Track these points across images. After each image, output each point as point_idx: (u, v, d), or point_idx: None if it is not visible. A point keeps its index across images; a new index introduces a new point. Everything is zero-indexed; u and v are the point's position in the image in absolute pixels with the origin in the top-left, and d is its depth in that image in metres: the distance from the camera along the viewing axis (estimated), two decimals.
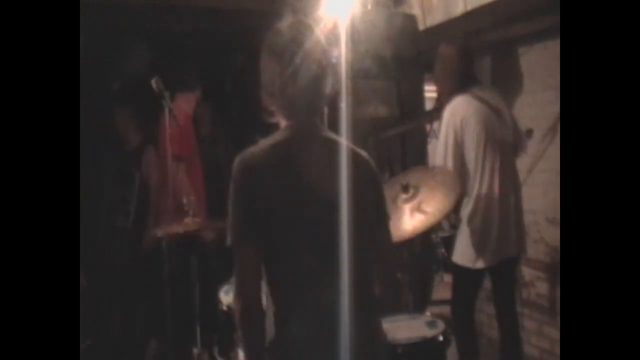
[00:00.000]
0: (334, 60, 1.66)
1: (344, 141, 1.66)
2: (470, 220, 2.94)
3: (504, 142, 2.98)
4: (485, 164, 2.91)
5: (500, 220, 2.93)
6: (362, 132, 3.72)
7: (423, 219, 2.66)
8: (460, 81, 3.00)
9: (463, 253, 2.98)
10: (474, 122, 2.89)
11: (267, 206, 1.51)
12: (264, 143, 1.59)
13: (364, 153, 1.70)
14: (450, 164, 2.90)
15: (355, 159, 1.63)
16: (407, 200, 2.71)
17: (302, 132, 1.61)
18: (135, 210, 3.58)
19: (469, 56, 3.09)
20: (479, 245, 2.93)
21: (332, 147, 1.62)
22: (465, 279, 3.05)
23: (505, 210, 2.95)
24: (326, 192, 1.54)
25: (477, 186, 2.92)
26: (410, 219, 2.66)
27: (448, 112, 2.97)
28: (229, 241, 1.54)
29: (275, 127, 1.68)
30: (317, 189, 1.55)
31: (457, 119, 2.91)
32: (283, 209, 1.52)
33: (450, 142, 2.91)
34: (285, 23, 1.61)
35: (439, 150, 2.98)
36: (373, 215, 1.66)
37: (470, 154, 2.91)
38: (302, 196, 1.54)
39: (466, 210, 2.96)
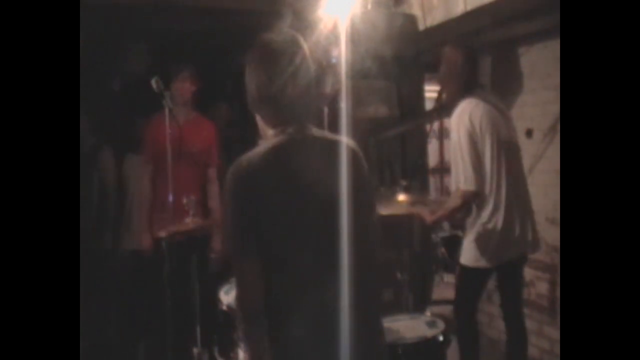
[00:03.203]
0: (333, 60, 1.66)
1: (333, 137, 1.66)
2: (480, 221, 2.93)
3: (511, 143, 2.98)
4: (497, 165, 2.91)
5: (510, 221, 2.92)
6: (362, 132, 3.73)
7: (424, 208, 2.67)
8: (465, 84, 2.99)
9: (471, 254, 2.97)
10: (485, 123, 2.89)
11: (265, 212, 1.50)
12: (258, 149, 1.58)
13: (351, 143, 1.67)
14: (468, 166, 2.85)
15: (347, 154, 1.62)
16: (407, 198, 2.71)
17: (293, 135, 1.60)
18: (97, 210, 3.60)
19: (475, 60, 3.09)
20: (488, 246, 2.92)
21: (324, 147, 1.62)
22: (471, 280, 3.04)
23: (515, 211, 2.94)
24: (322, 194, 1.54)
25: (489, 187, 2.91)
26: (410, 206, 2.67)
27: (457, 114, 2.95)
28: (228, 251, 1.54)
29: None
30: (314, 190, 1.54)
31: (466, 119, 2.89)
32: (280, 213, 1.52)
33: (466, 145, 2.87)
34: (273, 35, 1.62)
35: (455, 157, 2.94)
36: (364, 207, 1.64)
37: (485, 155, 2.90)
38: (298, 199, 1.53)
39: (480, 211, 2.94)
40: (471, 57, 3.05)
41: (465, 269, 3.03)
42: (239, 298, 1.55)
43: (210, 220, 3.09)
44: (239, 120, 4.29)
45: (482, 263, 2.93)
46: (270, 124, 1.63)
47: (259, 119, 1.67)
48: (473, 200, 2.89)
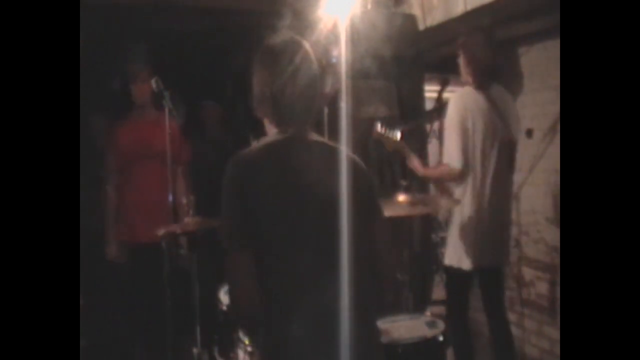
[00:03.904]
0: (333, 60, 1.67)
1: (333, 144, 1.69)
2: (461, 220, 2.94)
3: (503, 145, 2.98)
4: (483, 164, 2.91)
5: (490, 225, 2.93)
6: (362, 132, 3.73)
7: (423, 208, 2.67)
8: (483, 72, 2.98)
9: (452, 253, 2.99)
10: (478, 118, 2.89)
11: (262, 208, 1.51)
12: (257, 145, 1.60)
13: (352, 154, 1.70)
14: (455, 144, 2.87)
15: (346, 159, 1.64)
16: (407, 198, 2.71)
17: (294, 135, 1.63)
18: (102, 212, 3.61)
19: (494, 49, 3.08)
20: (467, 246, 2.93)
21: (323, 150, 1.64)
22: (454, 281, 3.06)
23: (496, 216, 2.95)
24: (319, 194, 1.55)
25: (472, 187, 2.92)
26: (410, 207, 2.68)
27: (453, 100, 2.97)
28: (222, 244, 1.54)
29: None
30: (310, 190, 1.55)
31: (461, 105, 2.90)
32: (278, 211, 1.52)
33: (455, 123, 2.89)
34: (276, 39, 1.65)
35: (445, 135, 2.96)
36: (365, 214, 1.65)
37: (475, 148, 2.90)
38: (294, 198, 1.54)
39: (459, 209, 2.95)
40: (491, 44, 3.04)
41: (447, 270, 3.05)
42: (231, 297, 1.56)
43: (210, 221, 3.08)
44: (229, 119, 4.30)
45: (461, 264, 2.94)
46: (275, 124, 1.65)
47: (265, 120, 1.69)
48: (455, 179, 2.91)
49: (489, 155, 2.92)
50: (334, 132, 1.76)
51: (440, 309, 3.57)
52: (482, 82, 2.97)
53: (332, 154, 1.64)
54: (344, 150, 1.67)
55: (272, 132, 1.67)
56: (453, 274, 3.03)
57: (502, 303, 3.18)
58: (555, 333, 3.61)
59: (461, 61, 3.05)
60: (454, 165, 2.89)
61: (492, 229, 2.94)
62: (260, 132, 1.73)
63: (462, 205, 2.92)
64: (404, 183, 2.76)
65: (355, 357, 1.53)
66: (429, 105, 4.61)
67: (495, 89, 3.03)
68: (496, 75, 3.06)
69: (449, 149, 2.92)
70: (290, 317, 1.53)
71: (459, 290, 3.07)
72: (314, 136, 1.67)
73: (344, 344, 1.51)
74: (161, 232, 2.81)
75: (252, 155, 1.58)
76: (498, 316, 3.13)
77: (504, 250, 3.08)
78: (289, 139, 1.61)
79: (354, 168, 1.65)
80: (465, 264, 2.93)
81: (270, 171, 1.55)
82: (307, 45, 1.65)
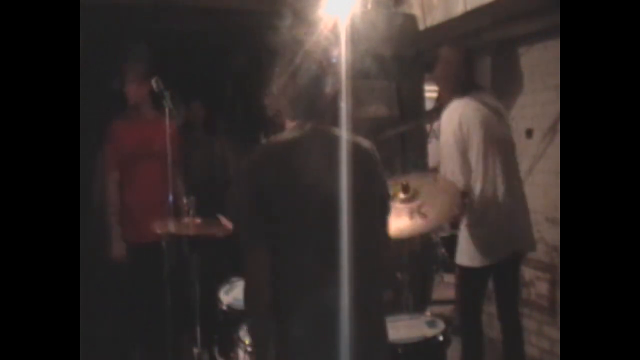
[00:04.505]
0: (334, 60, 1.69)
1: (347, 137, 1.69)
2: (474, 220, 2.93)
3: (504, 141, 2.98)
4: (487, 163, 2.90)
5: (503, 219, 2.92)
6: (362, 132, 3.73)
7: (422, 223, 2.64)
8: (460, 85, 2.99)
9: (467, 254, 2.97)
10: (473, 121, 2.89)
11: (274, 200, 1.53)
12: (276, 138, 1.63)
13: (366, 144, 1.73)
14: (455, 167, 2.87)
15: (359, 155, 1.66)
16: (406, 201, 2.70)
17: (310, 130, 1.64)
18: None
19: (471, 61, 3.08)
20: (483, 244, 2.91)
21: (338, 145, 1.64)
22: (469, 280, 3.04)
23: (509, 209, 2.94)
24: (331, 191, 1.56)
25: (480, 185, 2.91)
26: (409, 221, 2.65)
27: (446, 115, 2.96)
28: (238, 238, 1.56)
29: (279, 127, 1.71)
30: (323, 187, 1.56)
31: (455, 120, 2.90)
32: (289, 203, 1.54)
33: (452, 145, 2.88)
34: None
35: (443, 156, 2.95)
36: (376, 208, 1.67)
37: (472, 154, 2.90)
38: (307, 193, 1.55)
39: (469, 210, 2.94)
40: (467, 58, 3.05)
41: (462, 269, 3.03)
42: (247, 296, 1.57)
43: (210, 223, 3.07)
44: (215, 119, 4.30)
45: (478, 262, 2.93)
46: (290, 116, 1.68)
47: (283, 114, 1.71)
48: (462, 199, 2.90)
49: (493, 153, 2.91)
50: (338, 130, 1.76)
51: (441, 309, 3.57)
52: (462, 94, 2.96)
53: (345, 149, 1.64)
54: (356, 142, 1.69)
55: (288, 125, 1.69)
56: (466, 274, 3.01)
57: (517, 301, 3.17)
58: (555, 333, 3.60)
59: (437, 71, 3.05)
60: (459, 186, 2.87)
61: (509, 219, 2.93)
62: (267, 130, 1.74)
63: (474, 203, 2.92)
64: (404, 183, 2.76)
65: (360, 357, 1.53)
66: (429, 105, 4.60)
67: (484, 96, 3.03)
68: (474, 86, 3.06)
69: (452, 170, 2.89)
70: (295, 315, 1.54)
71: (472, 290, 3.05)
72: (331, 129, 1.69)
73: (348, 342, 1.51)
74: (161, 231, 2.81)
75: (270, 148, 1.62)
76: (511, 315, 3.12)
77: (527, 236, 3.06)
78: (304, 134, 1.63)
79: (366, 160, 1.68)
80: (479, 262, 2.92)
81: (286, 165, 1.56)
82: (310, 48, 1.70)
